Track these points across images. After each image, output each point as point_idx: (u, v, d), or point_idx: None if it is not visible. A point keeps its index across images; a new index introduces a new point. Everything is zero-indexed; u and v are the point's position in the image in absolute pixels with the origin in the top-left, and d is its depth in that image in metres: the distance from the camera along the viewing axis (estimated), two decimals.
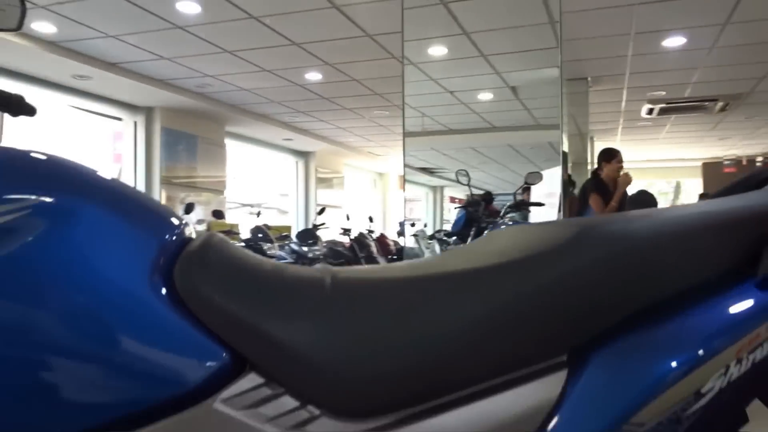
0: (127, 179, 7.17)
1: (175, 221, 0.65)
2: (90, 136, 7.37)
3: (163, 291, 0.57)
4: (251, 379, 0.57)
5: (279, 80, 6.45)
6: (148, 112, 7.30)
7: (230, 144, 8.77)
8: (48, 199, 0.56)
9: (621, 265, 0.60)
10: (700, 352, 0.56)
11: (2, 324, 0.52)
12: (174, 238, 0.62)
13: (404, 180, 4.35)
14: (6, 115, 1.00)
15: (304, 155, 10.77)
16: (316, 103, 7.48)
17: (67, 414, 0.53)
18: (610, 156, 4.57)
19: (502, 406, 0.58)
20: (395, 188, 13.42)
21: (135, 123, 7.32)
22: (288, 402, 0.57)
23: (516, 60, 4.95)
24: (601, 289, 0.60)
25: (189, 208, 5.48)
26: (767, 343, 0.58)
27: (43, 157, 0.61)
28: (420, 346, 0.58)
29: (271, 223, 7.20)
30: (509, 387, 0.58)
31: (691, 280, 0.62)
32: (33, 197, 0.55)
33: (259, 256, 0.67)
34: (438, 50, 4.78)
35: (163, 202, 6.50)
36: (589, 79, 6.20)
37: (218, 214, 6.62)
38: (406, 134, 3.47)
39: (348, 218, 7.42)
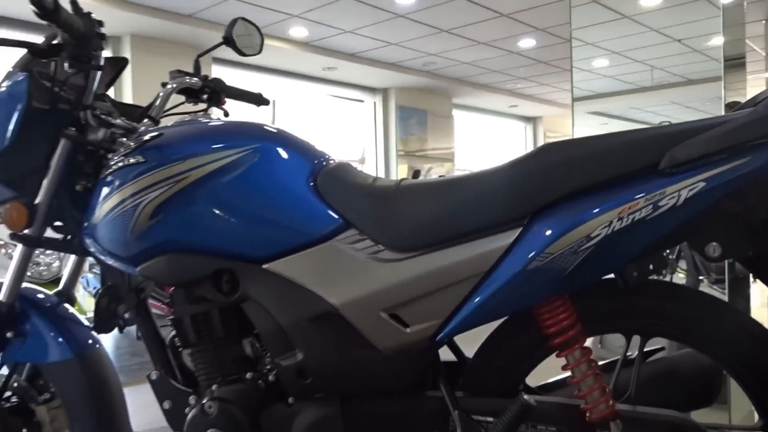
0: (369, 156, 8.27)
1: (323, 154, 1.20)
2: (339, 118, 8.63)
3: (312, 185, 1.13)
4: (352, 233, 1.10)
5: (495, 50, 6.85)
6: (384, 93, 8.31)
7: (458, 115, 9.42)
8: (259, 144, 1.16)
9: (573, 161, 0.98)
10: (595, 210, 0.93)
11: (243, 196, 1.12)
12: (320, 162, 1.18)
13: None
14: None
15: (531, 120, 10.96)
16: (535, 68, 7.69)
17: (264, 242, 1.12)
18: None
19: (482, 246, 1.01)
20: None
21: (374, 103, 8.39)
22: (369, 243, 1.08)
23: None
24: (558, 176, 0.98)
25: (416, 174, 6.30)
26: (644, 209, 0.91)
27: (257, 123, 1.21)
28: (437, 214, 1.04)
29: None
30: (489, 235, 1.01)
31: (617, 171, 0.97)
32: (254, 144, 1.15)
33: (366, 174, 1.19)
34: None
35: (402, 174, 7.35)
36: None
37: (416, 174, 7.29)
38: (575, 99, 3.60)
39: None
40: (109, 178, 1.17)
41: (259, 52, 1.63)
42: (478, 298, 1.00)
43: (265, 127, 1.20)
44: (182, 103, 1.52)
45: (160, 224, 1.13)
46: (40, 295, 1.39)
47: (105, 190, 1.17)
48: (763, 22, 5.81)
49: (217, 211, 1.12)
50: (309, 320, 1.08)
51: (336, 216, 1.11)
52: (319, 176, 1.15)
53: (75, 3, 1.18)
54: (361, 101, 8.40)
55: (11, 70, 1.28)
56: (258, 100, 1.64)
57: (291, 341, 1.10)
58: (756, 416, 1.08)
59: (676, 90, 4.96)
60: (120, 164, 1.16)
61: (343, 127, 8.75)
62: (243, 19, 1.56)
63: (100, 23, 1.22)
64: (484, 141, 11.01)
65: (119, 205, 1.14)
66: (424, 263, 1.04)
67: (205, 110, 1.56)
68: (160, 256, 1.14)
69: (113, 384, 1.37)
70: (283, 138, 1.20)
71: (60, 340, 1.32)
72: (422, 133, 8.59)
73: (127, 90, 5.89)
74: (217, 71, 6.33)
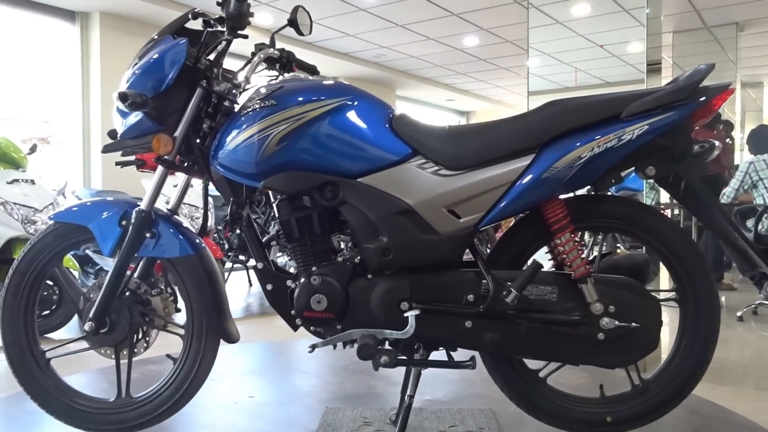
0: None
1: (389, 106, 1.71)
2: None
3: (388, 126, 1.64)
4: (418, 159, 1.62)
5: (441, 46, 7.48)
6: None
7: (400, 106, 10.03)
8: (352, 96, 1.65)
9: (569, 111, 1.54)
10: (577, 144, 1.50)
11: (344, 131, 1.61)
12: (390, 110, 1.68)
13: None
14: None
15: (465, 114, 11.74)
16: (475, 65, 8.39)
17: (359, 163, 1.61)
18: None
19: (508, 166, 1.56)
20: None
21: None
22: (431, 165, 1.60)
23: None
24: (559, 121, 1.55)
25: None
26: (613, 141, 1.49)
27: (347, 83, 1.70)
28: (478, 145, 1.58)
29: None
30: (513, 159, 1.56)
31: (596, 118, 1.54)
32: (348, 96, 1.64)
33: (422, 120, 1.71)
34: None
35: None
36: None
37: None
38: (531, 93, 4.26)
39: None
40: (243, 117, 1.63)
41: (310, 32, 2.10)
42: (506, 199, 1.56)
43: (353, 86, 1.70)
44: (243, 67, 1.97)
45: (284, 149, 1.60)
46: (160, 210, 1.82)
47: (240, 126, 1.63)
48: (671, 33, 6.75)
49: (325, 141, 1.61)
50: (393, 215, 1.60)
51: (407, 147, 1.63)
52: (393, 120, 1.66)
53: None
54: None
55: (159, 36, 1.71)
56: (313, 70, 2.12)
57: (378, 230, 1.61)
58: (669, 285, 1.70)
59: (596, 92, 5.76)
60: (254, 107, 1.63)
61: None
62: (301, 7, 2.03)
63: (249, 5, 1.68)
64: None
65: (253, 135, 1.60)
66: (470, 177, 1.58)
67: (278, 76, 2.02)
68: (282, 172, 1.62)
69: (219, 275, 1.82)
70: (365, 93, 1.70)
71: (183, 240, 1.76)
72: None
73: (94, 66, 6.05)
74: None
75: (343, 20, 6.43)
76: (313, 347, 1.65)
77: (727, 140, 6.52)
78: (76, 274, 3.78)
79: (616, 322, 1.56)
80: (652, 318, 1.59)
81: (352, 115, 1.63)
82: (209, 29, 1.70)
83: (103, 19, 5.98)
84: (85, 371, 2.58)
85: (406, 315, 1.59)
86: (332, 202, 1.64)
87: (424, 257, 1.61)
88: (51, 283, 3.44)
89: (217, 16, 1.73)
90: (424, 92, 10.12)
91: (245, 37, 1.72)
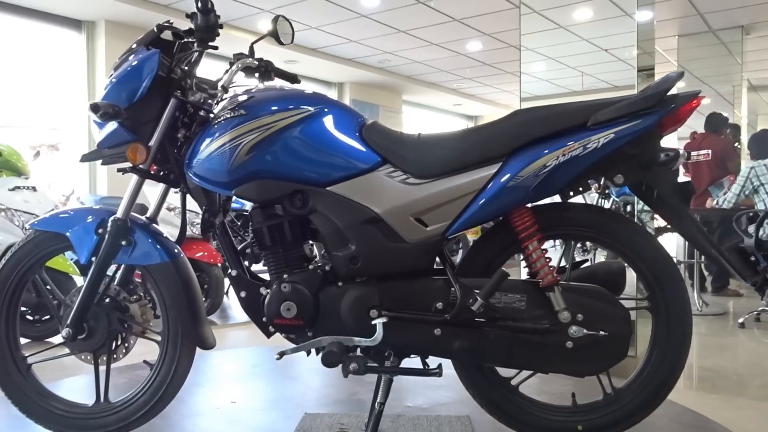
0: None
1: (361, 115, 1.73)
2: None
3: (358, 135, 1.65)
4: (387, 167, 1.63)
5: (445, 51, 7.49)
6: (340, 87, 8.83)
7: (408, 111, 10.05)
8: (323, 105, 1.66)
9: (535, 120, 1.55)
10: (544, 152, 1.50)
11: (314, 140, 1.63)
12: (361, 119, 1.70)
13: None
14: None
15: (473, 119, 11.73)
16: (480, 70, 8.39)
17: (328, 172, 1.63)
18: None
19: (475, 174, 1.57)
20: None
21: None
22: (400, 173, 1.61)
23: None
24: (525, 129, 1.55)
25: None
26: (577, 149, 1.49)
27: (319, 92, 1.72)
28: (446, 154, 1.59)
29: None
30: (480, 167, 1.57)
31: (562, 126, 1.54)
32: (320, 105, 1.66)
33: (393, 129, 1.72)
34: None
35: None
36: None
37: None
38: (523, 99, 4.26)
39: None
40: (215, 126, 1.66)
41: (292, 41, 2.12)
42: (473, 207, 1.56)
43: (325, 95, 1.72)
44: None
45: (254, 158, 1.62)
46: (138, 217, 1.85)
47: (212, 135, 1.65)
48: (676, 37, 6.71)
49: (294, 150, 1.63)
50: (360, 223, 1.61)
51: (376, 155, 1.64)
52: (363, 129, 1.68)
53: (212, 2, 1.66)
54: None
55: (135, 46, 1.75)
56: (293, 79, 2.14)
57: (346, 238, 1.62)
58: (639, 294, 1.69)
59: (603, 95, 5.75)
60: (225, 117, 1.65)
61: None
62: (282, 16, 2.05)
63: (219, 17, 1.71)
64: None
65: (224, 144, 1.63)
66: (437, 185, 1.59)
67: (257, 84, 2.04)
68: (252, 181, 1.64)
69: (195, 282, 1.85)
70: (337, 103, 1.72)
71: (159, 248, 1.78)
72: None
73: (100, 73, 6.14)
74: None
75: (345, 26, 6.47)
76: (281, 354, 1.66)
77: (736, 144, 6.46)
78: (77, 279, 3.84)
79: (585, 331, 1.56)
80: (621, 326, 1.58)
81: (321, 125, 1.65)
82: (179, 41, 1.73)
83: (108, 28, 6.09)
84: (83, 375, 2.62)
85: (373, 322, 1.60)
86: (302, 210, 1.66)
87: (391, 265, 1.62)
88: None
89: (187, 28, 1.76)
90: (431, 97, 10.13)
91: (215, 48, 1.74)
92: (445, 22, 6.29)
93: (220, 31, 1.73)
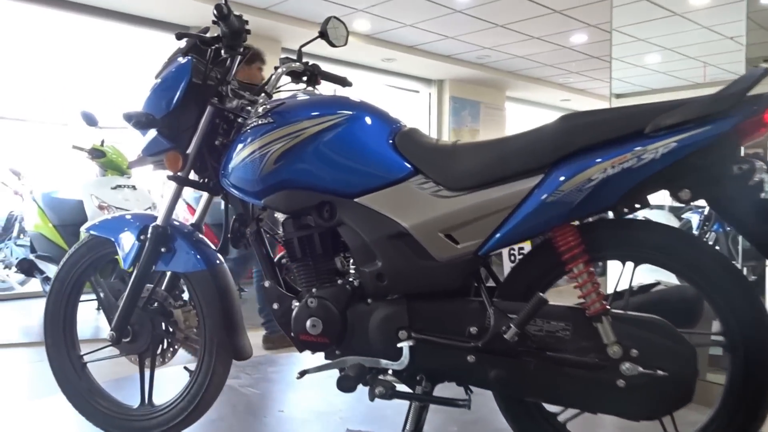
0: None
1: (398, 121, 1.62)
2: (395, 108, 9.04)
3: (391, 142, 1.54)
4: (419, 178, 1.50)
5: (548, 45, 7.11)
6: (439, 84, 8.68)
7: (511, 107, 9.69)
8: (354, 112, 1.57)
9: (582, 126, 1.36)
10: (589, 163, 1.31)
11: (342, 149, 1.54)
12: (396, 126, 1.59)
13: None
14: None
15: None
16: (587, 63, 7.89)
17: (356, 182, 1.53)
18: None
19: (514, 187, 1.40)
20: None
21: (429, 94, 8.77)
22: (432, 185, 1.48)
23: None
24: (570, 137, 1.37)
25: None
26: (631, 161, 1.29)
27: (350, 97, 1.63)
28: (482, 165, 1.44)
29: None
30: (519, 179, 1.40)
31: (614, 134, 1.34)
32: (350, 111, 1.57)
33: (430, 136, 1.59)
34: None
35: None
36: None
37: None
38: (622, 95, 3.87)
39: None
40: (245, 134, 1.62)
41: (345, 43, 2.04)
42: (509, 224, 1.40)
43: (357, 100, 1.62)
44: (288, 83, 1.96)
45: (282, 167, 1.56)
46: (181, 225, 1.86)
47: (243, 143, 1.62)
48: None
49: (322, 159, 1.55)
50: (387, 238, 1.50)
51: (408, 165, 1.52)
52: (397, 136, 1.56)
53: (228, 7, 1.63)
54: (417, 92, 8.80)
55: (173, 56, 1.75)
56: (343, 82, 2.06)
57: (373, 254, 1.52)
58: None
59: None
60: (254, 124, 1.61)
61: (399, 116, 9.14)
62: (334, 17, 1.98)
63: (246, 22, 1.67)
64: None
65: (253, 152, 1.58)
66: (471, 199, 1.45)
67: (305, 88, 1.99)
68: (280, 191, 1.58)
69: (233, 292, 1.83)
70: (370, 108, 1.62)
71: (198, 256, 1.78)
72: (475, 124, 8.93)
73: None
74: None
75: (440, 23, 6.32)
76: (303, 373, 1.59)
77: None
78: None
79: (640, 369, 1.35)
80: (684, 366, 1.35)
81: (349, 132, 1.56)
82: (211, 47, 1.70)
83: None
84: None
85: (399, 345, 1.49)
86: (330, 222, 1.58)
87: (419, 284, 1.50)
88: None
89: (215, 34, 1.73)
90: (536, 93, 9.69)
91: (244, 54, 1.70)
92: (544, 15, 5.96)
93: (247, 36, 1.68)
